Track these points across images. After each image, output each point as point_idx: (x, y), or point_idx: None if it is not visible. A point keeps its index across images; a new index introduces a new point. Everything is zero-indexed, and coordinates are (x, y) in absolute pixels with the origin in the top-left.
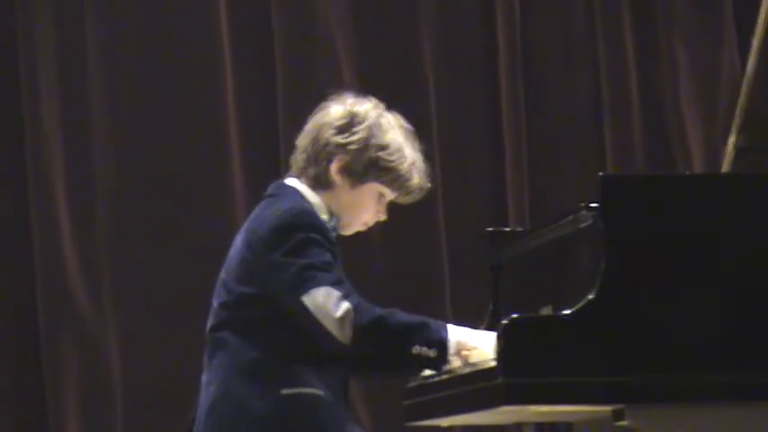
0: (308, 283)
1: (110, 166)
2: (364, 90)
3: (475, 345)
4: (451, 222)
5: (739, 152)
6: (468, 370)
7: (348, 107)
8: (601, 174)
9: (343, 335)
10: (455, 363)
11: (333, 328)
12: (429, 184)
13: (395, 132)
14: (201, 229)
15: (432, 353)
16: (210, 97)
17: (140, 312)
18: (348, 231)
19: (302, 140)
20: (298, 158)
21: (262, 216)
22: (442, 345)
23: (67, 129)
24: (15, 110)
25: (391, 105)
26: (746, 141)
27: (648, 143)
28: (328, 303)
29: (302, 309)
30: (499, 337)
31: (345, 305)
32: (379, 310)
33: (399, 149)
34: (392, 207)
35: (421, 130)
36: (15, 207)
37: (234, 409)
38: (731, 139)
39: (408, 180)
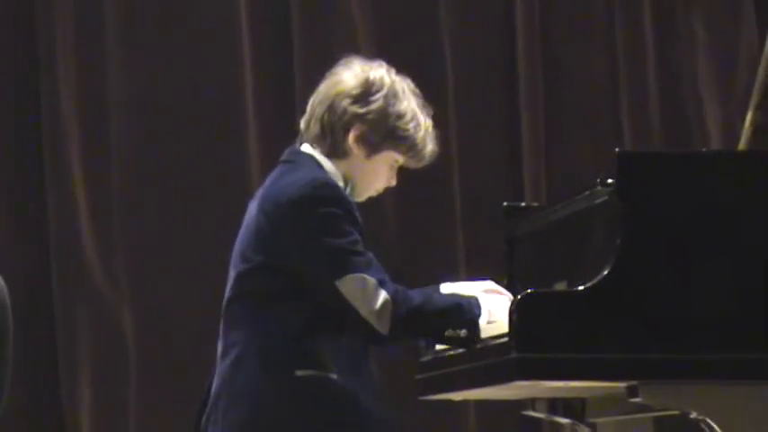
0: (341, 268)
1: (125, 138)
2: (380, 55)
3: (499, 316)
4: (467, 197)
5: (757, 129)
6: (481, 345)
7: (363, 74)
8: (617, 150)
9: (381, 326)
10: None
11: (371, 319)
12: (438, 149)
13: (409, 100)
14: (216, 198)
15: (462, 333)
16: (227, 63)
17: (155, 285)
18: (361, 198)
19: (317, 108)
20: (312, 126)
21: (279, 184)
22: (473, 324)
23: (83, 102)
24: (32, 84)
25: (408, 75)
26: (764, 118)
27: (665, 120)
28: (365, 293)
29: (336, 294)
30: (513, 312)
31: (383, 296)
32: (415, 299)
33: (414, 117)
34: (407, 179)
35: (437, 105)
36: (31, 182)
37: (246, 388)
38: (749, 116)
39: (423, 148)
